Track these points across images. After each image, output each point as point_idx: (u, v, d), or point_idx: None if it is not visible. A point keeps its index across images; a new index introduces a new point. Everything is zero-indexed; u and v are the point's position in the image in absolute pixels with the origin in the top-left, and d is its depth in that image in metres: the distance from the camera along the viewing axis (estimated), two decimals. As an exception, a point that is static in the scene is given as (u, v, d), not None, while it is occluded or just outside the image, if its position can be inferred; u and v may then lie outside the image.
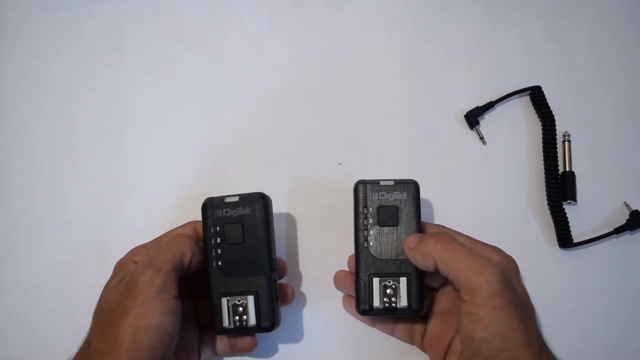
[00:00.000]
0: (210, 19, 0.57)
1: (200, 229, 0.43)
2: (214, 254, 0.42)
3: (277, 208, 0.51)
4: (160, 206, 0.51)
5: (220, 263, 0.42)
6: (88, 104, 0.55)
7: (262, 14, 0.57)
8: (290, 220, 0.51)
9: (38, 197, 0.52)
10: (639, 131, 0.53)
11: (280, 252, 0.49)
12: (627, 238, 0.50)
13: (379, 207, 0.42)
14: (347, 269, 0.45)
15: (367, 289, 0.41)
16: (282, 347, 0.47)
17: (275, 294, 0.42)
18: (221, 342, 0.44)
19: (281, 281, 0.46)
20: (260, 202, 0.42)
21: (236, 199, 0.42)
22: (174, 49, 0.56)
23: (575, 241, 0.49)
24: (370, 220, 0.42)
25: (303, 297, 0.49)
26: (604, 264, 0.49)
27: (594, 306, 0.48)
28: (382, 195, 0.42)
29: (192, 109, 0.54)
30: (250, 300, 0.41)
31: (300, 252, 0.50)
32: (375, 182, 0.43)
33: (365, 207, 0.42)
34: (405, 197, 0.42)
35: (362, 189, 0.42)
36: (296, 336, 0.48)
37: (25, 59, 0.56)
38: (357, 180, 0.43)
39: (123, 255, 0.43)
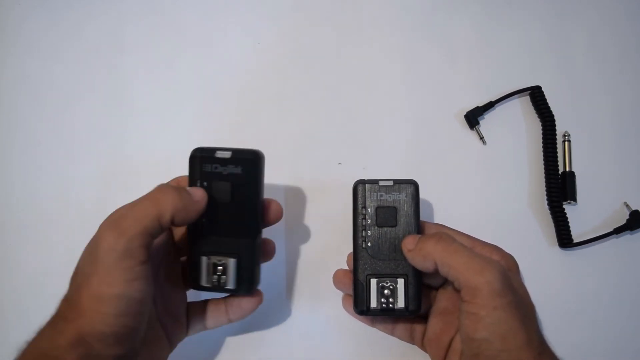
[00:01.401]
0: (210, 19, 0.57)
1: (185, 184, 0.40)
2: None
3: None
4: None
5: (203, 220, 0.39)
6: (88, 104, 0.55)
7: (262, 14, 0.57)
8: (290, 220, 0.51)
9: (38, 197, 0.52)
10: (639, 131, 0.53)
11: (280, 252, 0.49)
12: (627, 238, 0.50)
13: (377, 208, 0.42)
14: (347, 268, 0.45)
15: (365, 290, 0.41)
16: (282, 347, 0.47)
17: (258, 258, 0.42)
18: (216, 310, 0.43)
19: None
20: (253, 163, 0.40)
21: (228, 154, 0.39)
22: (174, 49, 0.56)
23: (575, 241, 0.49)
24: (369, 221, 0.42)
25: (303, 297, 0.49)
26: (604, 264, 0.49)
27: (594, 306, 0.48)
28: (381, 195, 0.42)
29: (192, 108, 0.54)
30: (232, 263, 0.40)
31: (300, 252, 0.50)
32: (374, 182, 0.42)
33: (364, 207, 0.42)
34: (404, 198, 0.42)
35: (361, 189, 0.42)
36: (296, 336, 0.48)
37: (25, 59, 0.56)
38: (356, 180, 0.43)
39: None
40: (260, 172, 0.41)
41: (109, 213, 0.50)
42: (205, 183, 0.39)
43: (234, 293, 0.41)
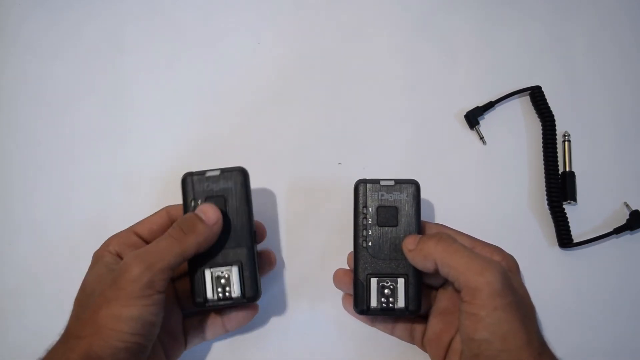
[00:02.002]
0: (210, 19, 0.57)
1: (174, 212, 0.43)
2: None
3: (277, 208, 0.51)
4: (160, 206, 0.51)
5: None
6: (88, 104, 0.55)
7: (262, 14, 0.57)
8: (290, 220, 0.51)
9: (38, 197, 0.52)
10: (639, 131, 0.53)
11: (279, 251, 0.50)
12: (627, 238, 0.50)
13: (378, 207, 0.42)
14: (347, 267, 0.45)
15: (365, 289, 0.41)
16: (282, 347, 0.47)
17: (257, 266, 0.42)
18: (213, 323, 0.44)
19: (261, 248, 0.46)
20: (241, 175, 0.42)
21: (217, 172, 0.42)
22: (174, 49, 0.56)
23: (575, 241, 0.49)
24: (370, 220, 0.42)
25: (303, 297, 0.49)
26: (604, 264, 0.49)
27: (593, 306, 0.48)
28: (382, 195, 0.42)
29: (192, 108, 0.54)
30: (234, 271, 0.41)
31: (300, 252, 0.50)
32: (376, 182, 0.43)
33: (365, 206, 0.42)
34: (405, 198, 0.42)
35: (362, 189, 0.42)
36: (296, 336, 0.48)
37: (25, 59, 0.56)
38: (357, 179, 0.43)
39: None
40: (247, 181, 0.43)
41: (109, 212, 0.51)
42: (199, 201, 0.42)
43: (240, 302, 0.42)
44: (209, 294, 0.41)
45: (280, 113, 0.54)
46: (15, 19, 0.57)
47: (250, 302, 0.42)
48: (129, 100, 0.55)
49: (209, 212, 0.40)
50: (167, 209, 0.44)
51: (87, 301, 0.38)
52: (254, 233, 0.43)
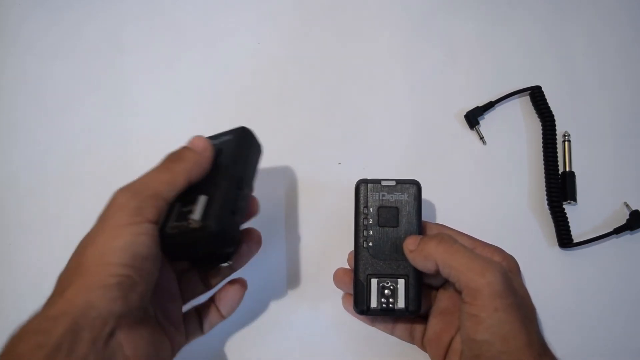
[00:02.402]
0: (210, 19, 0.57)
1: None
2: None
3: (277, 208, 0.51)
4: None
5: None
6: (88, 104, 0.55)
7: (262, 14, 0.57)
8: (290, 219, 0.51)
9: (38, 197, 0.52)
10: (639, 131, 0.53)
11: (280, 251, 0.50)
12: (627, 238, 0.50)
13: (379, 208, 0.42)
14: (347, 267, 0.45)
15: (365, 290, 0.41)
16: (282, 347, 0.47)
17: (234, 206, 0.38)
18: (207, 312, 0.43)
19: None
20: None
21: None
22: (174, 48, 0.56)
23: (575, 241, 0.49)
24: (370, 221, 0.42)
25: (303, 297, 0.49)
26: (604, 264, 0.49)
27: (594, 306, 0.48)
28: (383, 195, 0.42)
29: (192, 108, 0.54)
30: (202, 200, 0.36)
31: (301, 252, 0.50)
32: (377, 182, 0.43)
33: (366, 207, 0.42)
34: (406, 198, 0.42)
35: (364, 189, 0.42)
36: (296, 336, 0.48)
37: (25, 59, 0.56)
38: (357, 179, 0.43)
39: None
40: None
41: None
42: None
43: (200, 232, 0.36)
44: (169, 227, 0.36)
45: (280, 113, 0.54)
46: (15, 19, 0.57)
47: (211, 238, 0.36)
48: (129, 100, 0.55)
49: (197, 141, 0.39)
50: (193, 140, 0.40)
51: (75, 251, 0.35)
52: (241, 179, 0.40)
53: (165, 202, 0.36)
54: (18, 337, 0.32)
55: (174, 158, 0.38)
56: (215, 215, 0.35)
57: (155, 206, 0.34)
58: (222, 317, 0.44)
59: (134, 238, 0.33)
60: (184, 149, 0.39)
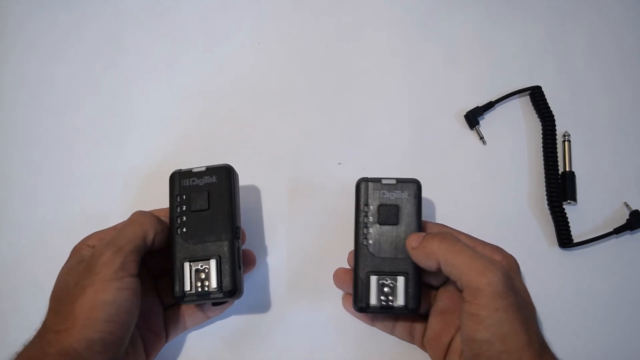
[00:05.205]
0: (210, 19, 0.57)
1: (159, 214, 0.43)
2: (178, 222, 0.42)
3: (277, 208, 0.51)
4: (160, 205, 0.51)
5: (184, 230, 0.42)
6: (88, 104, 0.55)
7: (262, 14, 0.57)
8: (290, 219, 0.51)
9: (38, 197, 0.52)
10: (639, 131, 0.53)
11: (280, 251, 0.50)
12: (627, 238, 0.50)
13: (379, 206, 0.42)
14: (347, 267, 0.45)
15: (365, 287, 0.41)
16: (282, 347, 0.47)
17: (238, 261, 0.42)
18: (192, 312, 0.45)
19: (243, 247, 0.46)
20: (226, 171, 0.43)
21: (203, 169, 0.43)
22: (174, 49, 0.56)
23: (575, 241, 0.49)
24: (371, 219, 0.42)
25: (303, 297, 0.49)
26: (604, 264, 0.49)
27: (593, 306, 0.48)
28: (384, 193, 0.42)
29: (192, 108, 0.54)
30: (213, 264, 0.41)
31: (300, 252, 0.50)
32: (377, 180, 0.43)
33: (366, 205, 0.42)
34: (406, 197, 0.42)
35: (364, 187, 0.43)
36: (296, 336, 0.48)
37: (25, 59, 0.56)
38: (358, 179, 0.43)
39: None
40: (233, 177, 0.44)
41: (109, 213, 0.51)
42: (184, 196, 0.43)
43: (217, 296, 0.41)
44: (187, 287, 0.41)
45: (280, 113, 0.54)
46: (15, 19, 0.57)
47: (229, 297, 0.41)
48: (129, 100, 0.55)
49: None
50: (152, 211, 0.44)
51: (62, 294, 0.38)
52: (237, 229, 0.43)
53: (140, 256, 0.40)
54: None
55: (142, 213, 0.42)
56: (228, 278, 0.41)
57: (135, 261, 0.39)
58: (208, 318, 0.46)
59: (119, 293, 0.37)
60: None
